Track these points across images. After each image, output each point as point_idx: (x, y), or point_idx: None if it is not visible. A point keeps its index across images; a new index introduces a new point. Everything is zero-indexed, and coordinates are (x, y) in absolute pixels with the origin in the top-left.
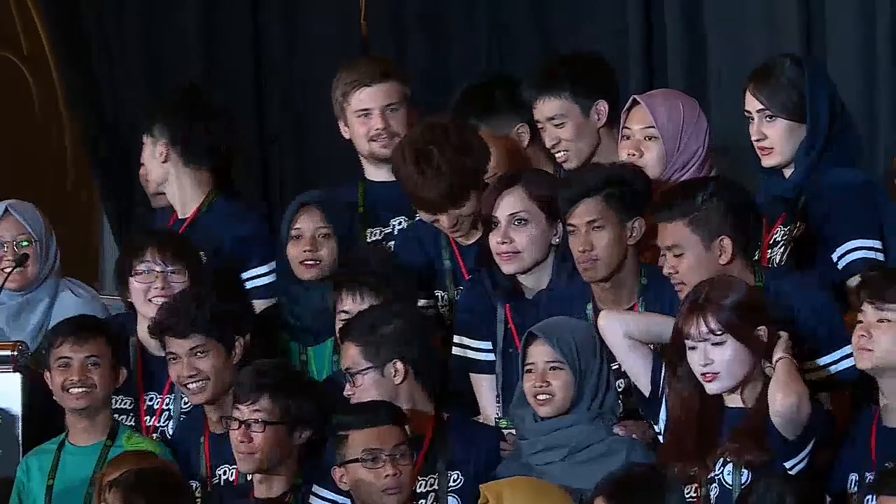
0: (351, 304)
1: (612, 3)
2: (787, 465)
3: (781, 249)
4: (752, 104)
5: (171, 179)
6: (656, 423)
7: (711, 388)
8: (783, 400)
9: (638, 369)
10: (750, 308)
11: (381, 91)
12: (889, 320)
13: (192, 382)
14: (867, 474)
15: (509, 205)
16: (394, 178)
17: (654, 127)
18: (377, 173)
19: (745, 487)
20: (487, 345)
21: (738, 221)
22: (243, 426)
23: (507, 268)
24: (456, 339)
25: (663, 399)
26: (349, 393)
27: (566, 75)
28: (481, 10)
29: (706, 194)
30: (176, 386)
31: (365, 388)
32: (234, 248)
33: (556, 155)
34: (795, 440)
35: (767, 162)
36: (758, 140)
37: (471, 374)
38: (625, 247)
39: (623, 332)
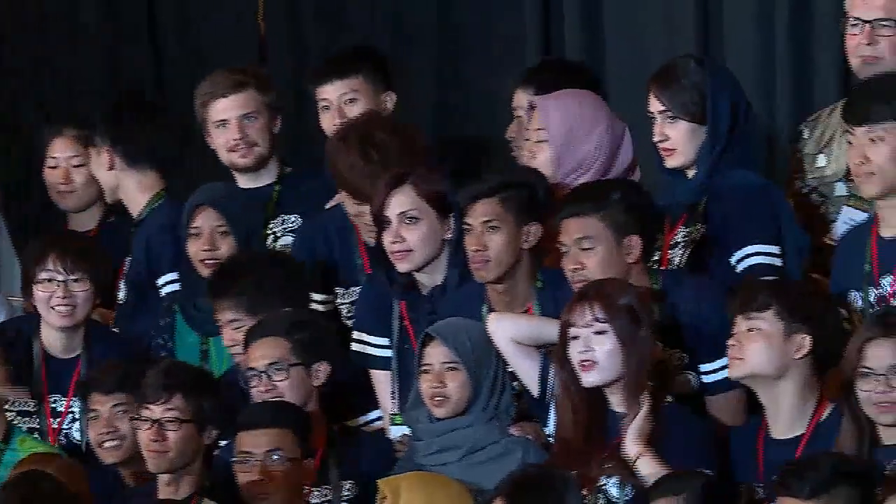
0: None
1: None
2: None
3: (681, 251)
4: (654, 105)
5: (120, 184)
6: (545, 426)
7: (587, 379)
8: None
9: (526, 371)
10: (636, 311)
11: (236, 101)
12: (758, 329)
13: (107, 441)
14: (757, 486)
15: (399, 203)
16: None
17: (544, 129)
18: (245, 182)
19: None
20: (385, 341)
21: (644, 223)
22: (156, 425)
23: (401, 266)
24: (355, 334)
25: (552, 401)
26: (260, 390)
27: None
28: (383, 8)
29: (618, 193)
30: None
31: (285, 387)
32: (153, 251)
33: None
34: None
35: (670, 163)
36: (660, 141)
37: (370, 370)
38: (518, 250)
39: (511, 334)
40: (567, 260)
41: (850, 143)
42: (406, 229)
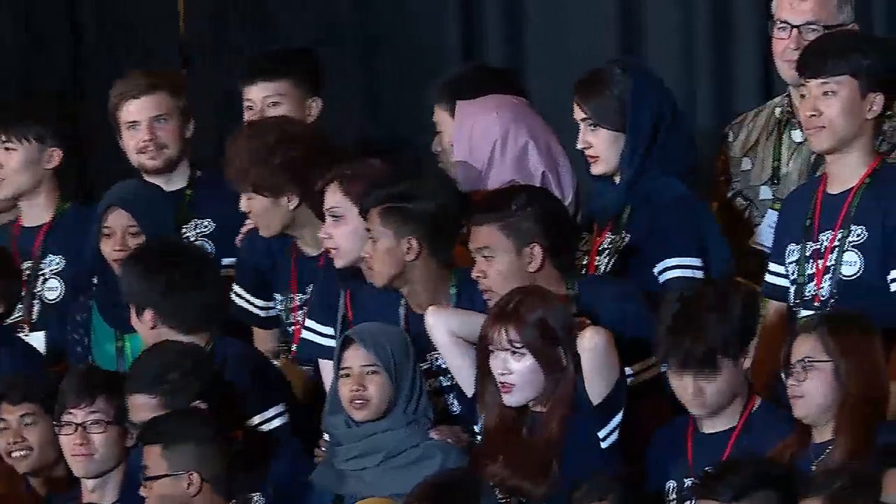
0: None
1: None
2: (600, 434)
3: (607, 259)
4: (577, 113)
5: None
6: (476, 424)
7: (508, 399)
8: (592, 336)
9: (462, 369)
10: (553, 326)
11: (148, 103)
12: (713, 377)
13: (16, 451)
14: (686, 481)
15: (327, 200)
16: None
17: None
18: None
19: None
20: (333, 330)
21: (550, 230)
22: (80, 429)
23: (336, 263)
24: (307, 322)
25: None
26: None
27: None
28: (308, 8)
29: (520, 201)
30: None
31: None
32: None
33: None
34: (603, 405)
35: (595, 170)
36: (584, 148)
37: (318, 359)
38: (401, 260)
39: (449, 328)
40: (474, 267)
41: (802, 95)
42: (333, 226)
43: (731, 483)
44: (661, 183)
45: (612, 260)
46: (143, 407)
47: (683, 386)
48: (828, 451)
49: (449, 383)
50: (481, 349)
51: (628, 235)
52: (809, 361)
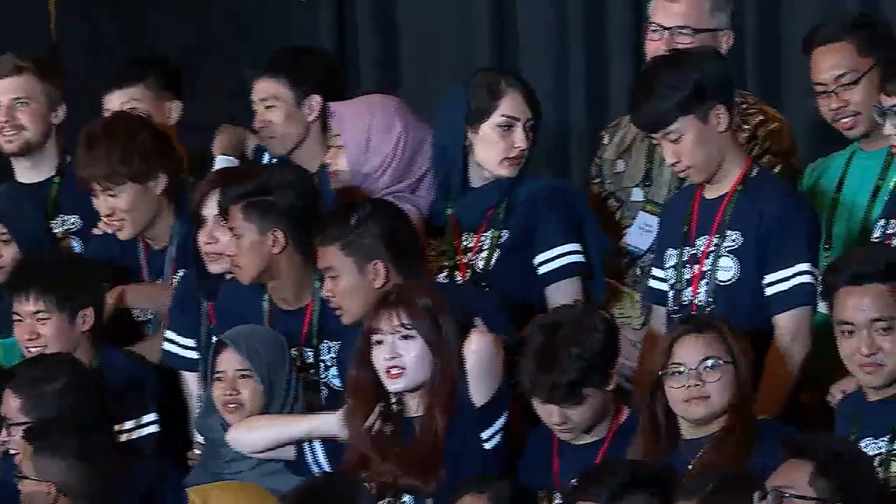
0: (19, 307)
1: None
2: (483, 436)
3: (486, 254)
4: (524, 111)
5: None
6: None
7: (395, 386)
8: (478, 339)
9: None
10: (437, 314)
11: (10, 84)
12: (578, 405)
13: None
14: (555, 493)
15: (215, 204)
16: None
17: (340, 136)
18: (24, 175)
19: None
20: (194, 342)
21: (392, 245)
22: None
23: (213, 267)
24: (167, 333)
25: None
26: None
27: (286, 60)
28: (182, 13)
29: (360, 218)
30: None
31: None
32: None
33: (265, 138)
34: (486, 407)
35: (512, 172)
36: (525, 148)
37: (180, 371)
38: (267, 254)
39: (255, 449)
40: (323, 285)
41: (657, 144)
42: (221, 231)
43: (609, 484)
44: (539, 179)
45: (494, 256)
46: (12, 407)
47: (549, 413)
48: (702, 450)
49: (317, 378)
50: (363, 346)
51: (506, 231)
52: (715, 362)
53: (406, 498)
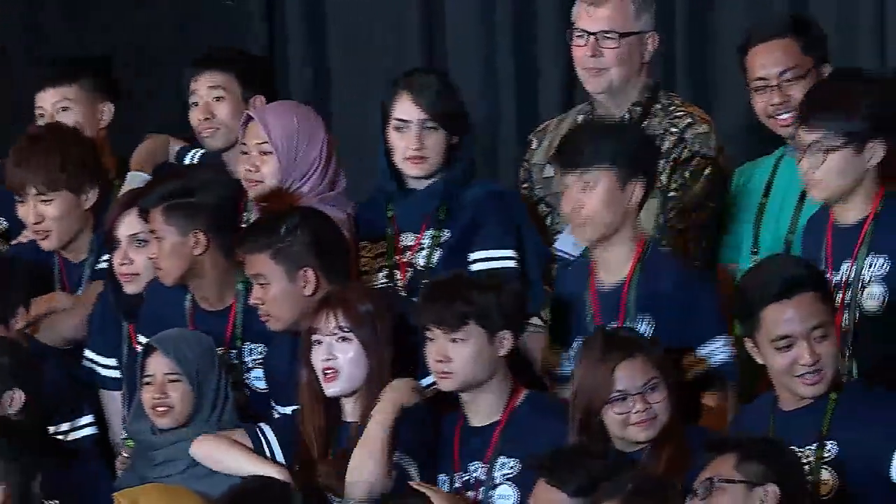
0: None
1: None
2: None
3: (427, 252)
4: (411, 114)
5: None
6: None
7: (330, 389)
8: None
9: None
10: (375, 318)
11: None
12: (462, 340)
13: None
14: (455, 475)
15: (129, 225)
16: None
17: (267, 142)
18: None
19: None
20: (114, 361)
21: (323, 251)
22: None
23: (128, 287)
24: (87, 352)
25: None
26: None
27: (238, 58)
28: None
29: (289, 226)
30: None
31: None
32: None
33: (205, 130)
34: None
35: (417, 171)
36: (416, 149)
37: (101, 390)
38: (189, 256)
39: (206, 463)
40: (252, 293)
41: (563, 190)
42: (135, 252)
43: (578, 476)
44: (478, 182)
45: (435, 255)
46: None
47: (433, 350)
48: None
49: (239, 380)
50: (305, 346)
51: (448, 231)
52: (656, 383)
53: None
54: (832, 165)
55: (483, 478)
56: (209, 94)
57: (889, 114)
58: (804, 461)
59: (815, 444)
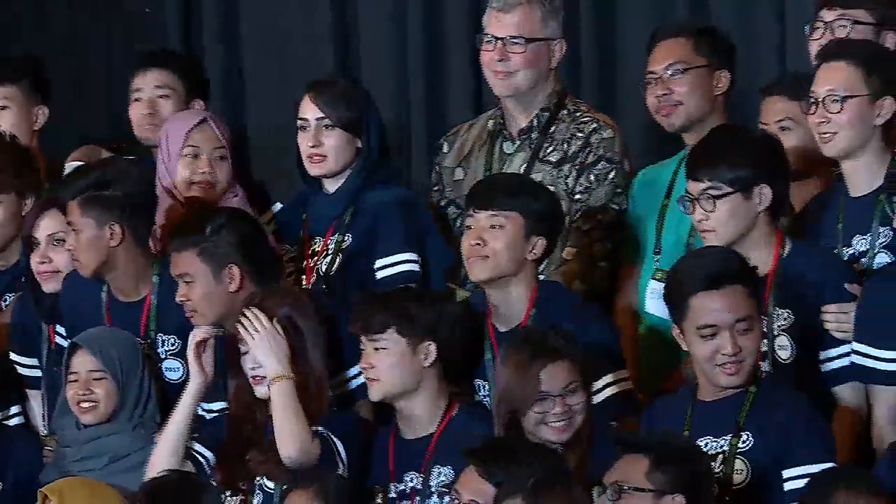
0: None
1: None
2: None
3: (330, 258)
4: (309, 112)
5: None
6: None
7: (260, 390)
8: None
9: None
10: (295, 320)
11: None
12: (384, 349)
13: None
14: (391, 485)
15: (48, 226)
16: None
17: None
18: None
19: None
20: (34, 361)
21: (248, 251)
22: None
23: (47, 287)
24: (10, 354)
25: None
26: None
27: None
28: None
29: (215, 225)
30: None
31: None
32: None
33: (145, 126)
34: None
35: (317, 171)
36: (313, 146)
37: (25, 390)
38: (106, 248)
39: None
40: (179, 290)
41: (468, 226)
42: (54, 251)
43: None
44: (382, 188)
45: (337, 260)
46: None
47: (362, 358)
48: None
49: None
50: (232, 353)
51: (350, 236)
52: (576, 386)
53: (269, 483)
54: (722, 211)
55: (419, 487)
56: (154, 92)
57: (773, 161)
58: (719, 451)
59: (730, 435)
